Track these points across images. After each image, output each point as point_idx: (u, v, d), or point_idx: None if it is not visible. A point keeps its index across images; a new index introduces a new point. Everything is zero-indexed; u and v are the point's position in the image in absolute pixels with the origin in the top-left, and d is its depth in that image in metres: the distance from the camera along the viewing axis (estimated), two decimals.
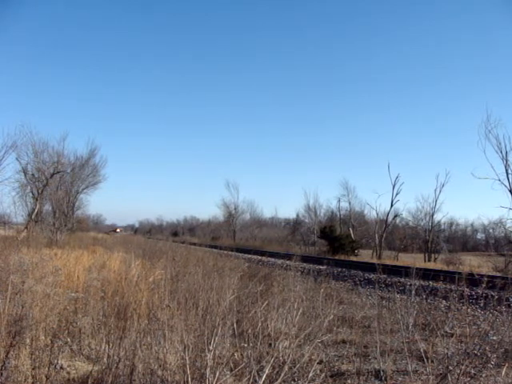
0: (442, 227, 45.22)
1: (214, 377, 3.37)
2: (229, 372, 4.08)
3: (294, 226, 59.77)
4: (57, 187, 30.42)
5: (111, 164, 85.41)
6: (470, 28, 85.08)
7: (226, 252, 25.28)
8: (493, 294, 6.77)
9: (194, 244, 39.29)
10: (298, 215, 57.81)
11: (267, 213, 78.10)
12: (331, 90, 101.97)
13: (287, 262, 16.62)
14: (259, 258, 23.78)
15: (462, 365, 3.77)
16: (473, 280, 9.87)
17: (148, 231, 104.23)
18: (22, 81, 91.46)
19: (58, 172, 29.66)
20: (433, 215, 36.84)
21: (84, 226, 50.31)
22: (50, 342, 4.16)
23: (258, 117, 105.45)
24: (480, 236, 62.71)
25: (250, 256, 24.79)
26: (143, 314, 5.86)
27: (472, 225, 62.78)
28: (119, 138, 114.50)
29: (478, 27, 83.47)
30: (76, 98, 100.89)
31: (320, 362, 4.94)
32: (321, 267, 16.95)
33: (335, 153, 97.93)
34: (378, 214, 36.62)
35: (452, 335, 5.73)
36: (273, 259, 22.76)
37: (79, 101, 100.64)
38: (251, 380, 3.57)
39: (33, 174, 29.82)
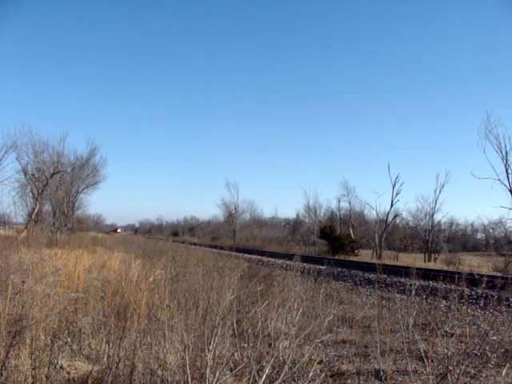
0: (442, 227, 45.21)
1: (214, 377, 3.37)
2: (229, 372, 4.08)
3: (294, 226, 59.81)
4: (57, 187, 30.41)
5: (111, 164, 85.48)
6: (470, 28, 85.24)
7: (225, 252, 25.28)
8: (493, 293, 6.78)
9: (194, 244, 39.27)
10: (298, 215, 57.94)
11: (267, 213, 78.03)
12: (331, 89, 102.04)
13: (287, 261, 16.63)
14: (259, 257, 23.77)
15: (462, 365, 3.77)
16: (473, 280, 9.87)
17: (148, 231, 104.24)
18: (22, 81, 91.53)
19: (58, 172, 29.68)
20: (433, 215, 36.86)
21: (84, 225, 50.29)
22: (50, 342, 4.15)
23: (258, 117, 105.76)
24: (480, 236, 62.57)
25: (250, 256, 24.79)
26: (143, 314, 5.86)
27: (472, 225, 62.75)
28: (119, 138, 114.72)
29: (478, 27, 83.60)
30: (76, 98, 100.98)
31: (320, 362, 4.94)
32: (321, 267, 16.94)
33: (335, 153, 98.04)
34: (377, 214, 36.62)
35: (452, 335, 5.73)
36: (273, 259, 22.75)
37: (79, 101, 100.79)
38: (251, 380, 3.57)
39: (33, 174, 29.81)
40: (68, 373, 4.33)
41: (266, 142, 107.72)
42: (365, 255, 32.42)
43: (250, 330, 4.89)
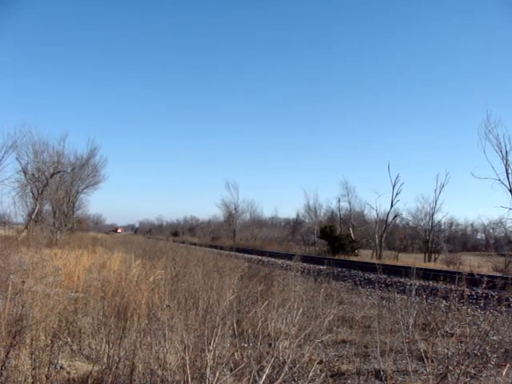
0: (442, 227, 45.20)
1: (214, 377, 3.37)
2: (229, 372, 4.08)
3: (294, 226, 59.80)
4: (57, 187, 30.43)
5: (111, 164, 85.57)
6: (470, 28, 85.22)
7: (226, 252, 25.27)
8: (493, 293, 6.76)
9: (194, 244, 39.27)
10: (298, 215, 57.98)
11: (267, 213, 77.99)
12: (331, 89, 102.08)
13: (287, 261, 16.62)
14: (259, 257, 23.78)
15: (462, 365, 3.77)
16: (473, 280, 9.86)
17: (148, 231, 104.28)
18: (22, 81, 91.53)
19: (58, 172, 29.70)
20: (433, 215, 36.87)
21: (84, 225, 50.29)
22: (50, 342, 4.15)
23: (258, 117, 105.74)
24: (480, 236, 62.62)
25: (250, 256, 24.79)
26: (143, 313, 5.86)
27: (472, 225, 62.74)
28: (119, 138, 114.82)
29: (478, 27, 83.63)
30: (76, 98, 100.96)
31: (320, 362, 4.94)
32: (321, 267, 16.94)
33: (335, 153, 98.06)
34: (378, 214, 36.60)
35: (452, 335, 5.72)
36: (273, 259, 22.76)
37: (79, 101, 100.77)
38: (251, 380, 3.57)
39: (33, 174, 29.81)
40: (68, 373, 4.33)
41: (266, 141, 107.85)
42: (365, 255, 32.42)
43: (250, 330, 4.90)
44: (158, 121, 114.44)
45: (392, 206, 34.45)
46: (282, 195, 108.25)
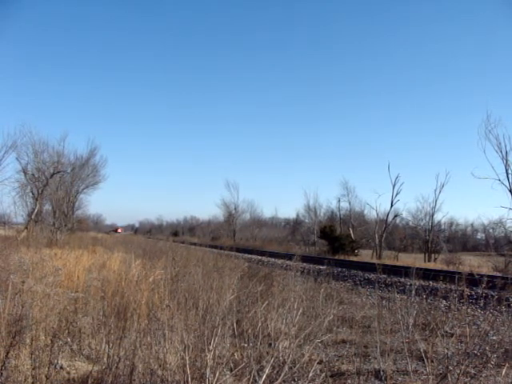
0: (442, 227, 45.18)
1: (214, 377, 3.37)
2: (229, 372, 4.09)
3: (294, 226, 59.78)
4: (57, 187, 30.41)
5: (111, 164, 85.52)
6: (470, 28, 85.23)
7: (226, 252, 25.26)
8: (493, 294, 6.76)
9: (194, 244, 39.27)
10: (298, 215, 57.96)
11: (267, 213, 77.94)
12: (331, 89, 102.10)
13: (287, 261, 16.63)
14: (259, 257, 23.78)
15: (462, 365, 3.77)
16: (473, 280, 9.87)
17: (148, 231, 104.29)
18: (22, 81, 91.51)
19: (58, 172, 29.68)
20: (433, 215, 36.87)
21: (84, 226, 50.30)
22: (50, 342, 4.15)
23: (258, 117, 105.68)
24: (480, 236, 62.63)
25: (250, 256, 24.79)
26: (143, 313, 5.86)
27: (472, 225, 62.79)
28: (119, 137, 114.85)
29: (478, 27, 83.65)
30: (76, 98, 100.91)
31: (320, 362, 4.94)
32: (321, 267, 16.94)
33: (335, 153, 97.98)
34: (377, 214, 36.59)
35: (452, 335, 5.73)
36: (273, 259, 22.76)
37: (79, 101, 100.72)
38: (251, 380, 3.57)
39: (33, 174, 29.79)
40: (68, 373, 4.33)
41: (266, 141, 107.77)
42: (365, 255, 32.41)
43: (250, 330, 4.90)
44: (158, 121, 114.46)
45: (392, 205, 34.48)
46: (282, 195, 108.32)
